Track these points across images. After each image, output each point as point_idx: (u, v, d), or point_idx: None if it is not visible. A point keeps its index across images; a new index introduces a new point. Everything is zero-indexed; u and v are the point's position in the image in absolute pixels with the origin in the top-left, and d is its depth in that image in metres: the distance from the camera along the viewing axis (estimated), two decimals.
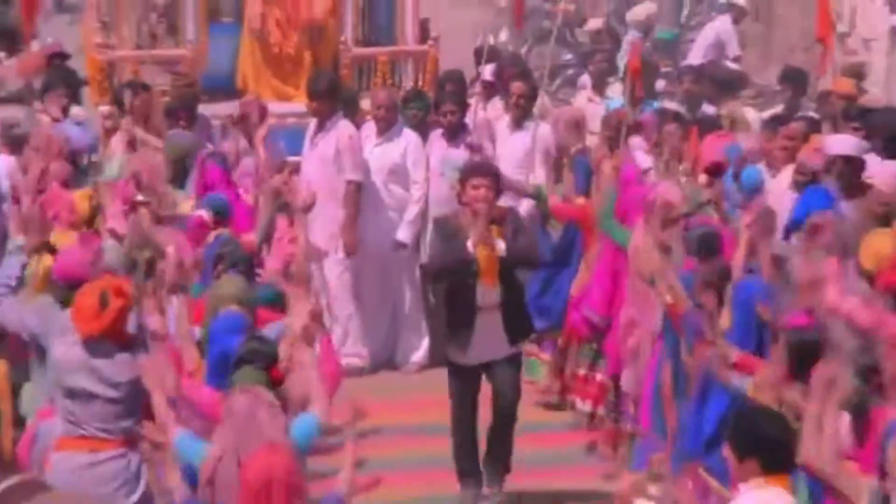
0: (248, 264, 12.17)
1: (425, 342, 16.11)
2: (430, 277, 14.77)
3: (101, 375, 10.61)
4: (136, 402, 10.74)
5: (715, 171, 14.80)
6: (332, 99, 16.15)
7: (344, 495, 9.53)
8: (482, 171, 12.96)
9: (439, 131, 16.21)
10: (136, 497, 10.59)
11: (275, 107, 16.89)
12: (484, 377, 12.81)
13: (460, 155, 15.78)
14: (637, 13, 26.41)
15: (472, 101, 17.09)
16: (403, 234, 15.94)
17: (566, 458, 13.79)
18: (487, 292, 12.49)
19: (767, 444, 8.79)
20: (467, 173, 12.85)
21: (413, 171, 16.23)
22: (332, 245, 15.81)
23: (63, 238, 12.78)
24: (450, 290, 13.01)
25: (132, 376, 10.66)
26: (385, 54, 18.33)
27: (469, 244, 12.21)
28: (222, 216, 13.05)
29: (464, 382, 12.78)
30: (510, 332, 12.55)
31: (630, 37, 23.39)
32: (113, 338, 10.70)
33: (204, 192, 14.14)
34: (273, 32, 18.09)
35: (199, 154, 15.05)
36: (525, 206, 15.64)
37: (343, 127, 15.83)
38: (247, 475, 8.61)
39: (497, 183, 12.69)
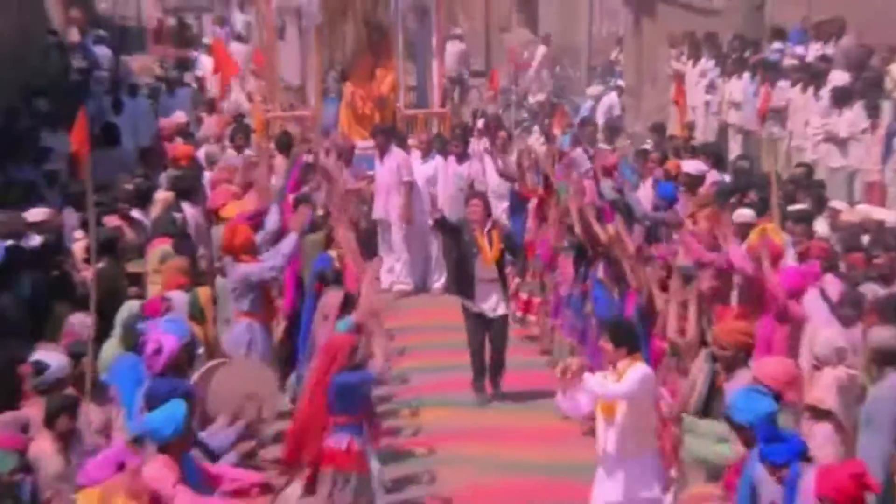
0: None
1: (444, 276, 18.02)
2: (442, 230, 15.50)
3: None
4: None
5: (608, 171, 17.12)
6: (387, 139, 18.21)
7: (379, 368, 10.61)
8: (477, 195, 14.89)
9: (452, 157, 18.53)
10: None
11: (359, 144, 18.78)
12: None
13: (464, 170, 18.32)
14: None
15: (472, 140, 19.52)
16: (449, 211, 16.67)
17: (531, 365, 14.77)
18: (485, 270, 13.91)
19: (632, 338, 10.16)
20: (468, 197, 14.97)
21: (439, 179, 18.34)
22: (394, 216, 18.09)
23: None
24: (458, 265, 14.46)
25: None
26: (422, 114, 20.48)
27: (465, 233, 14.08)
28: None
29: (474, 323, 14.08)
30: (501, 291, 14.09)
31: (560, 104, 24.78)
32: None
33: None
34: (358, 103, 20.13)
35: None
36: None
37: (396, 153, 18.06)
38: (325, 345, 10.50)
39: (486, 202, 14.37)
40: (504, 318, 14.21)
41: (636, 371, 9.81)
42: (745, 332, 10.38)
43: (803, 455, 8.12)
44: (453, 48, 30.11)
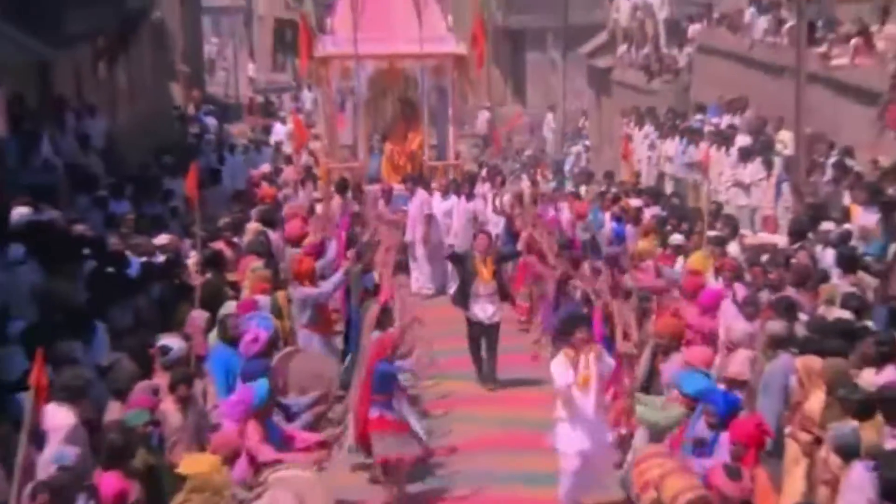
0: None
1: (455, 284, 16.09)
2: (452, 260, 15.12)
3: None
4: None
5: (581, 216, 17.15)
6: (415, 183, 18.30)
7: (414, 365, 11.02)
8: (484, 232, 14.41)
9: (463, 196, 18.32)
10: None
11: (396, 187, 18.77)
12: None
13: (471, 206, 18.17)
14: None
15: (477, 184, 19.30)
16: (462, 240, 17.45)
17: (524, 349, 14.12)
18: (483, 287, 13.31)
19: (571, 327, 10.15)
20: (476, 233, 14.53)
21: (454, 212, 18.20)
22: (420, 239, 17.85)
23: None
24: (462, 286, 13.75)
25: None
26: (441, 165, 20.39)
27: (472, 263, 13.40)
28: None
29: (473, 329, 13.50)
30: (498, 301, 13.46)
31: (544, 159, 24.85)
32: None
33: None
34: (395, 157, 20.24)
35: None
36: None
37: (422, 193, 18.09)
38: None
39: (490, 237, 13.98)
40: (497, 325, 13.54)
41: (601, 353, 9.77)
42: (677, 325, 10.48)
43: (736, 411, 8.31)
44: (482, 116, 30.39)
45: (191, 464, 7.56)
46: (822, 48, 18.98)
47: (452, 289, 17.12)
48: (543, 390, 11.70)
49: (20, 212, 13.82)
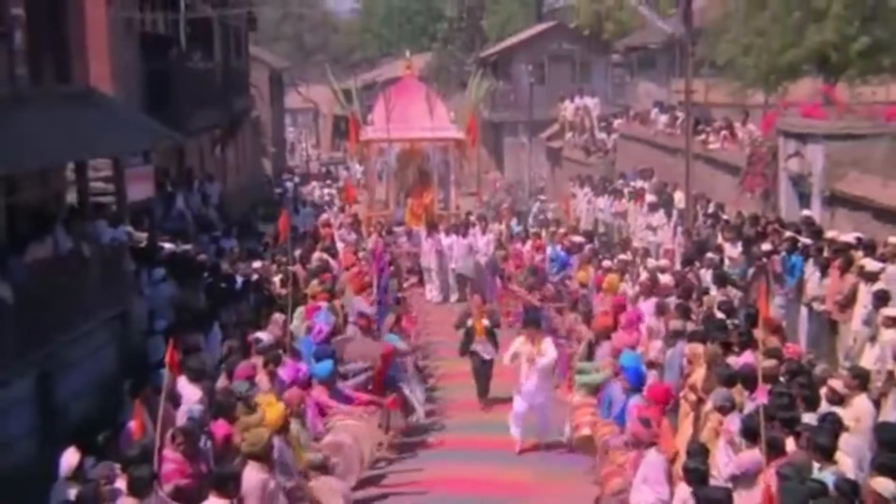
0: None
1: (456, 295, 17.45)
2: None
3: None
4: None
5: (539, 249, 16.72)
6: (429, 226, 18.13)
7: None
8: (477, 293, 13.04)
9: (461, 235, 17.74)
10: None
11: (415, 229, 18.86)
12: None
13: (466, 241, 17.57)
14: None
15: (471, 227, 18.29)
16: (461, 265, 17.31)
17: None
18: (481, 340, 11.42)
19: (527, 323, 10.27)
20: (471, 292, 13.31)
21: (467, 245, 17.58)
22: (433, 264, 17.73)
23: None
24: (464, 342, 11.67)
25: None
26: (446, 213, 20.05)
27: (469, 321, 11.43)
28: None
29: (474, 362, 11.61)
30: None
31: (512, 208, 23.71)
32: None
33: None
34: (414, 208, 20.09)
35: None
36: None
37: (433, 234, 17.78)
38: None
39: (483, 295, 12.64)
40: (491, 361, 11.49)
41: (549, 343, 9.84)
42: (607, 323, 10.43)
43: (642, 384, 8.27)
44: (490, 177, 30.44)
45: (271, 408, 7.58)
46: (702, 137, 18.95)
47: (453, 297, 17.40)
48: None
49: (163, 246, 14.00)
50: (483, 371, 11.66)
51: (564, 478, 8.84)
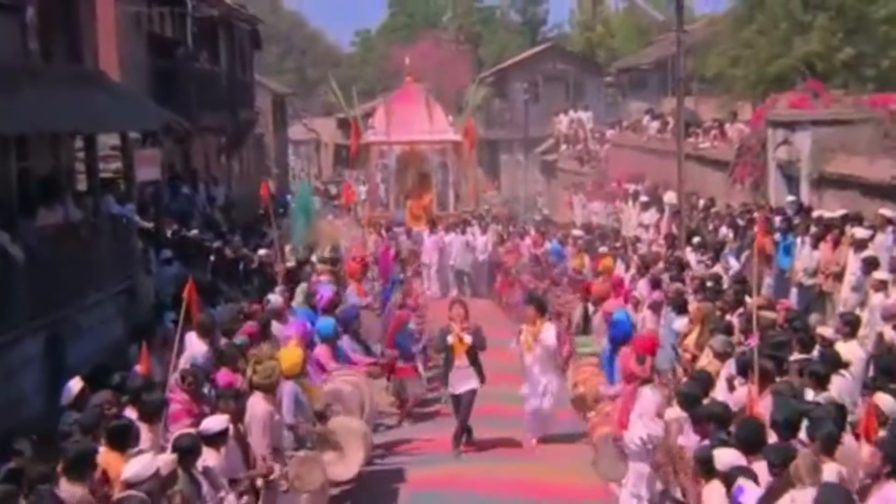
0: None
1: (455, 291, 17.26)
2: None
3: None
4: None
5: (537, 243, 17.17)
6: (429, 225, 18.11)
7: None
8: (458, 302, 9.76)
9: (459, 233, 18.01)
10: None
11: (415, 229, 18.49)
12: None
13: (465, 238, 17.70)
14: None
15: (469, 226, 18.65)
16: (459, 261, 17.55)
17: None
18: (460, 359, 8.95)
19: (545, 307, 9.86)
20: (451, 303, 9.68)
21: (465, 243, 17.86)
22: (434, 261, 17.63)
23: None
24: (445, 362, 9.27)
25: None
26: (444, 214, 19.62)
27: (448, 338, 8.93)
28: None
29: (454, 400, 9.14)
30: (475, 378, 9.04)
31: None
32: None
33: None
34: (414, 209, 19.78)
35: None
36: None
37: (434, 232, 17.79)
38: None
39: (465, 308, 9.30)
40: (474, 391, 9.05)
41: (549, 329, 9.22)
42: (606, 287, 10.56)
43: (627, 338, 8.05)
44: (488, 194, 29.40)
45: (290, 352, 7.55)
46: (692, 139, 18.96)
47: (453, 292, 17.17)
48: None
49: (169, 229, 14.00)
50: (468, 404, 9.02)
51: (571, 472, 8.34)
